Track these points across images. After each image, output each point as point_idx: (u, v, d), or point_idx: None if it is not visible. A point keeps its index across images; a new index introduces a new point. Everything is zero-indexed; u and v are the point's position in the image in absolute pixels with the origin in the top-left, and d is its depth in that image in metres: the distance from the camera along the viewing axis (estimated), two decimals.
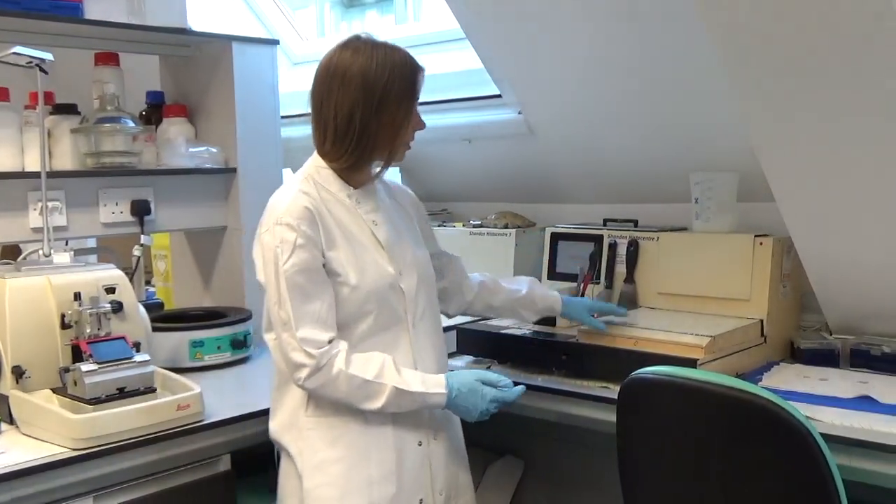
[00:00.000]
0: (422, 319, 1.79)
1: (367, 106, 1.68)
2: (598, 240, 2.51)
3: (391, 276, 1.74)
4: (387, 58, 1.70)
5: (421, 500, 1.75)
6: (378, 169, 1.80)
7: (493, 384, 1.75)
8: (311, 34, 3.83)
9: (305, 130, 3.51)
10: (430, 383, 1.70)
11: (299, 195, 1.70)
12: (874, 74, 1.75)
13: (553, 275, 2.60)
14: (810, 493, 1.48)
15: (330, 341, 1.65)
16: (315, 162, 1.78)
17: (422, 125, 1.80)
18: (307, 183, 1.74)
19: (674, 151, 2.50)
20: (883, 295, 2.10)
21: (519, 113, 2.77)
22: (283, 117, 2.71)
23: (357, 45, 1.72)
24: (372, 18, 3.87)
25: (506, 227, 2.71)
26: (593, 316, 2.10)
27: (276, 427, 1.78)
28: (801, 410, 1.51)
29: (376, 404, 1.66)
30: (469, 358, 2.28)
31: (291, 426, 1.74)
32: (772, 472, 1.52)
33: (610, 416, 1.76)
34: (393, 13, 3.71)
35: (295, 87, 3.44)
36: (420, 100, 1.77)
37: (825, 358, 2.12)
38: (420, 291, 1.79)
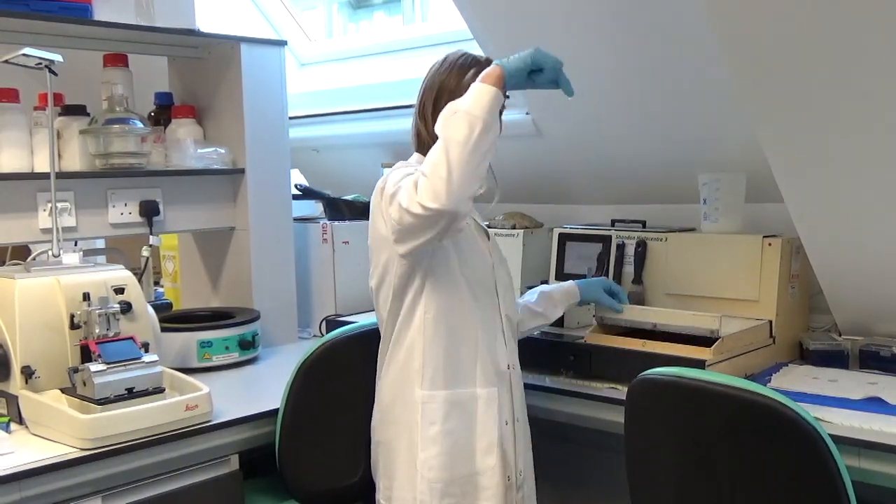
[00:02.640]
0: (507, 306, 1.93)
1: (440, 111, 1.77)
2: (606, 240, 2.51)
3: (490, 263, 1.91)
4: (460, 67, 1.86)
5: (509, 476, 1.85)
6: None
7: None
8: (319, 35, 3.84)
9: (313, 131, 3.53)
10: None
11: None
12: (881, 74, 1.74)
13: (561, 276, 2.60)
14: (819, 494, 1.48)
15: None
16: (419, 159, 1.88)
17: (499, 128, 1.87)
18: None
19: (682, 152, 2.49)
20: (893, 296, 2.09)
21: (527, 114, 2.76)
22: (291, 118, 2.72)
23: (442, 60, 1.90)
24: (380, 19, 3.88)
25: (513, 227, 2.71)
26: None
27: (387, 400, 1.86)
28: (811, 412, 1.51)
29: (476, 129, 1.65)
30: None
31: (405, 400, 1.82)
32: (781, 474, 1.52)
33: (618, 416, 1.76)
34: (401, 14, 3.71)
35: (303, 88, 3.48)
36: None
37: (834, 359, 2.12)
38: (501, 278, 1.93)
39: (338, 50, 3.66)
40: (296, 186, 2.97)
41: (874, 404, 1.80)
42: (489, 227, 2.77)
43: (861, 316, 2.19)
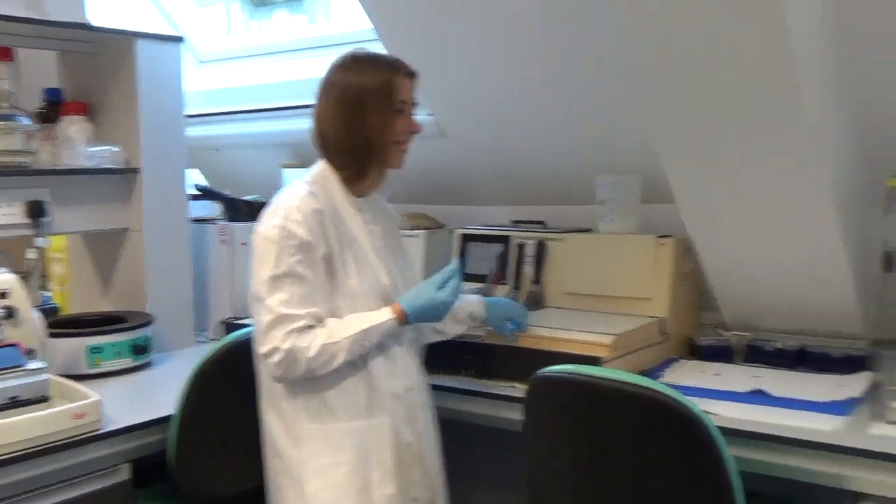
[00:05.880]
0: (410, 330, 1.87)
1: (348, 113, 1.78)
2: (506, 241, 2.54)
3: (386, 287, 1.82)
4: (366, 67, 1.80)
5: (415, 498, 1.82)
6: (376, 176, 1.86)
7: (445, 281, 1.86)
8: (219, 32, 3.76)
9: (213, 130, 3.45)
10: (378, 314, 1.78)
11: (309, 196, 1.76)
12: (764, 86, 1.82)
13: (463, 276, 2.61)
14: (708, 483, 1.54)
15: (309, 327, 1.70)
16: (322, 168, 1.84)
17: (414, 127, 1.87)
18: (316, 186, 1.80)
19: (580, 155, 2.54)
20: (775, 293, 2.19)
21: (430, 115, 2.78)
22: (189, 117, 2.65)
23: (343, 59, 1.83)
24: (282, 18, 3.82)
25: (416, 228, 2.71)
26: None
27: (273, 434, 1.80)
28: (699, 405, 1.56)
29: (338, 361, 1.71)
30: None
31: (289, 434, 1.77)
32: (672, 465, 1.57)
33: (516, 414, 1.78)
34: (304, 13, 3.67)
35: (202, 86, 3.40)
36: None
37: (722, 354, 2.20)
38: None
39: (239, 48, 3.59)
40: (195, 186, 2.90)
41: (758, 396, 1.87)
42: None
43: (746, 312, 2.28)
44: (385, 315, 1.77)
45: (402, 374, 1.84)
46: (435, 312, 1.83)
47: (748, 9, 1.72)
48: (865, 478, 1.56)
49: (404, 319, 1.79)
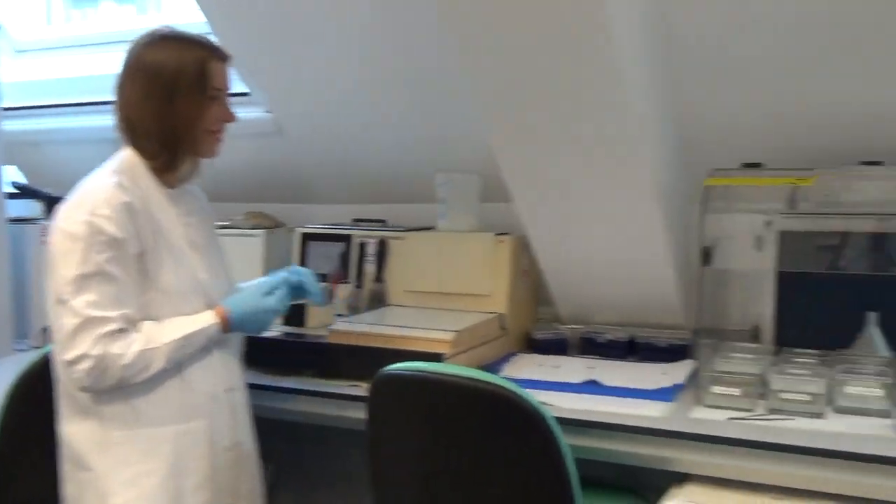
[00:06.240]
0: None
1: (157, 98, 1.65)
2: (347, 240, 2.53)
3: (204, 283, 1.72)
4: (177, 48, 1.67)
5: None
6: (189, 166, 1.75)
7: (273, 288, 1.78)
8: (39, 21, 3.53)
9: (32, 124, 3.23)
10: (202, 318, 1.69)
11: (117, 188, 1.62)
12: (589, 91, 1.90)
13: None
14: (546, 472, 1.59)
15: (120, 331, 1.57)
16: (129, 157, 1.70)
17: (229, 116, 1.76)
18: (124, 177, 1.66)
19: (421, 153, 2.56)
20: (605, 287, 2.29)
21: (268, 112, 2.72)
22: (5, 109, 2.47)
23: (150, 38, 1.69)
24: (108, 7, 3.63)
25: (254, 227, 2.65)
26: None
27: (76, 445, 1.65)
28: (537, 396, 1.61)
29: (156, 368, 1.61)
30: None
31: (95, 442, 1.63)
32: (512, 456, 1.61)
33: (360, 413, 1.78)
34: (132, 3, 3.50)
35: (19, 77, 3.18)
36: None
37: (558, 347, 2.28)
38: (218, 293, 1.77)
39: (61, 37, 3.38)
40: (12, 184, 2.71)
41: (592, 387, 1.96)
42: (229, 227, 2.70)
43: (580, 307, 2.37)
44: (208, 319, 1.68)
45: (223, 373, 1.74)
46: (260, 320, 1.76)
47: (572, 15, 1.78)
48: (689, 458, 1.66)
49: (227, 326, 1.70)
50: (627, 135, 1.95)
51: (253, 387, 1.96)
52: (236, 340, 1.82)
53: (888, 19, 1.80)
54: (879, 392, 1.70)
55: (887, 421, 1.66)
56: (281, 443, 1.99)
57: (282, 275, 1.83)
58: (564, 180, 2.12)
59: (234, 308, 1.72)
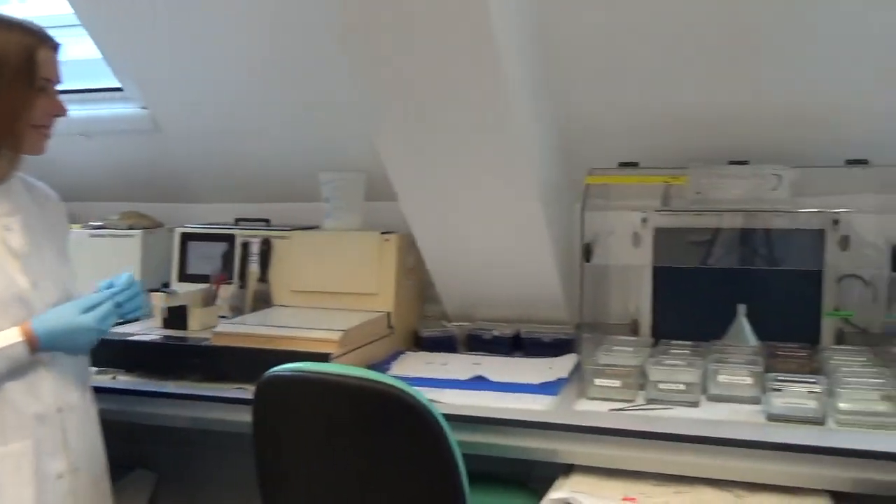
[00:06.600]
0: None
1: None
2: (230, 239, 2.48)
3: (22, 290, 1.57)
4: (1, 34, 1.53)
5: None
6: (5, 163, 1.61)
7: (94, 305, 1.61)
8: None
9: None
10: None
11: None
12: (475, 92, 1.92)
13: (184, 277, 2.51)
14: (436, 469, 1.60)
15: None
16: None
17: (59, 110, 1.63)
18: None
19: (305, 152, 2.54)
20: (491, 284, 2.33)
21: (143, 108, 2.63)
22: None
23: None
24: None
25: (131, 228, 2.56)
26: None
27: None
28: (425, 394, 1.62)
29: None
30: (93, 369, 2.12)
31: None
32: (403, 454, 1.62)
33: (246, 416, 1.74)
34: None
35: None
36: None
37: (445, 344, 2.30)
38: (43, 301, 1.62)
39: None
40: None
41: (479, 382, 1.98)
42: (103, 227, 2.59)
43: (466, 304, 2.40)
44: (10, 338, 1.51)
45: (52, 392, 1.60)
46: (75, 340, 1.58)
47: (455, 18, 1.80)
48: (574, 450, 1.70)
49: (35, 345, 1.54)
50: (510, 135, 1.99)
51: (133, 393, 1.89)
52: (72, 358, 1.67)
53: (749, 29, 1.91)
54: (749, 380, 1.79)
55: (757, 407, 1.75)
56: (164, 450, 1.92)
57: (109, 291, 1.67)
58: (449, 179, 2.14)
59: (42, 326, 1.55)
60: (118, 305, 1.66)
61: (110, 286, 1.68)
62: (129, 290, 1.69)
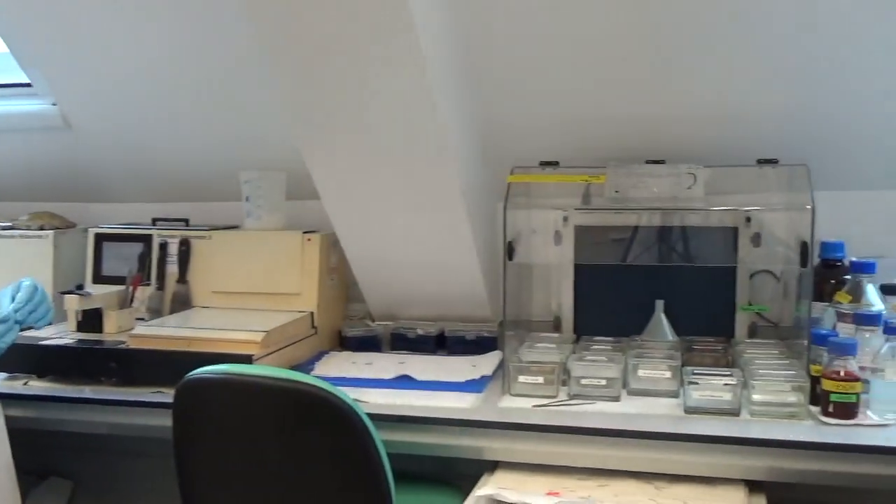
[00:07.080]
0: None
1: None
2: (147, 240, 2.42)
3: None
4: None
5: None
6: None
7: None
8: None
9: None
10: None
11: None
12: (397, 89, 1.92)
13: (99, 278, 2.44)
14: (361, 469, 1.59)
15: None
16: None
17: None
18: None
19: (224, 151, 2.49)
20: (414, 283, 2.33)
21: (53, 104, 2.55)
22: None
23: None
24: None
25: (41, 228, 2.47)
26: None
27: None
28: (350, 394, 1.61)
29: None
30: (2, 375, 2.04)
31: None
32: (327, 456, 1.61)
33: (166, 421, 1.70)
34: None
35: None
36: None
37: (370, 343, 2.29)
38: None
39: None
40: None
41: (404, 381, 1.98)
42: (12, 228, 2.50)
43: (389, 303, 2.40)
44: None
45: None
46: None
47: (377, 15, 1.79)
48: (499, 447, 1.71)
49: None
50: (432, 133, 1.99)
51: (46, 399, 1.83)
52: None
53: (662, 34, 1.96)
54: (667, 374, 1.84)
55: (675, 400, 1.80)
56: (81, 457, 1.87)
57: (9, 309, 1.60)
58: (370, 178, 2.13)
59: None
60: (18, 323, 1.60)
61: (12, 298, 1.60)
62: (30, 303, 1.63)
